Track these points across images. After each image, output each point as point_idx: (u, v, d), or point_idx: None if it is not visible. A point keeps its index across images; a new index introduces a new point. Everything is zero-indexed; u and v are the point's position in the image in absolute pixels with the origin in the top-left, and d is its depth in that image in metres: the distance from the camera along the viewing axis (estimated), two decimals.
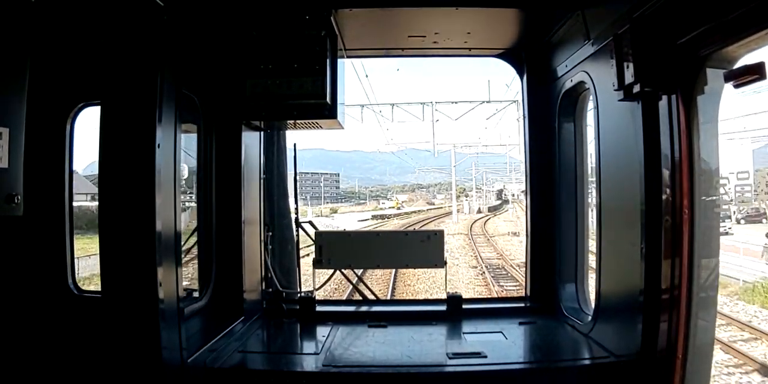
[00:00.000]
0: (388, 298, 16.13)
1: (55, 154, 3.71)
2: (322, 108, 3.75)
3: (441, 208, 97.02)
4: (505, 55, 4.60)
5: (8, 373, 3.34)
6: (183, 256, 3.28)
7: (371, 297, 5.17)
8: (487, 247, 31.37)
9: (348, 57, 4.30)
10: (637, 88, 2.80)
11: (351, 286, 4.81)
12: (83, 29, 3.27)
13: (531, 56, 4.46)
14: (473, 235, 38.53)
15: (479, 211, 76.42)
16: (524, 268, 4.58)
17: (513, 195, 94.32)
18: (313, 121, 3.92)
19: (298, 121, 3.96)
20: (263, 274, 4.43)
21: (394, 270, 20.67)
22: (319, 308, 4.33)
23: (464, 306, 4.32)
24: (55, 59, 3.54)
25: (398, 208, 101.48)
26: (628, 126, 3.01)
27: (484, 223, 52.54)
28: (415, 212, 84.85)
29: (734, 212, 25.53)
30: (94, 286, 5.02)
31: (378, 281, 20.19)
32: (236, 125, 4.03)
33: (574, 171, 4.16)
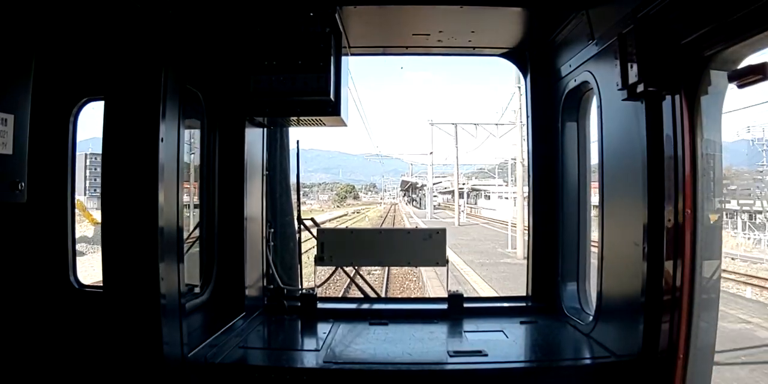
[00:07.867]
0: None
1: (58, 149, 3.73)
2: (325, 105, 3.75)
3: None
4: (509, 55, 4.59)
5: (9, 369, 3.35)
6: (185, 251, 3.28)
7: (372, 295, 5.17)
8: None
9: (352, 54, 4.29)
10: (640, 88, 2.79)
11: (352, 284, 4.77)
12: (87, 25, 3.28)
13: (535, 56, 4.44)
14: None
15: None
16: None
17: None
18: (317, 117, 3.92)
19: (301, 118, 3.95)
20: (265, 270, 4.43)
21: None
22: (320, 305, 4.33)
23: (465, 304, 4.32)
24: (60, 55, 3.55)
25: None
26: (632, 126, 3.00)
27: None
28: None
29: None
30: None
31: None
32: (239, 121, 4.03)
33: (576, 170, 4.15)
